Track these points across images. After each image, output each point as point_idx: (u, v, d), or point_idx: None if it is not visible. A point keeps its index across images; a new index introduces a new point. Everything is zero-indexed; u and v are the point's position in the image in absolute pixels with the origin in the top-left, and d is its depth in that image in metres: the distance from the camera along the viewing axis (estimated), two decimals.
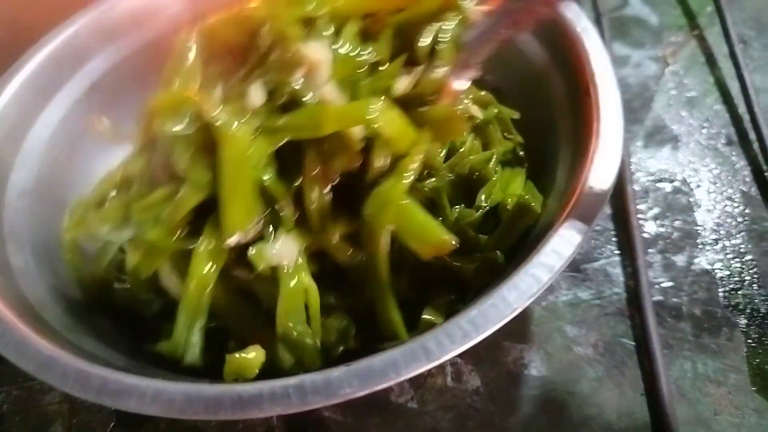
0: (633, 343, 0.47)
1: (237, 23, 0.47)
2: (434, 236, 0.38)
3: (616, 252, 0.53)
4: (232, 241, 0.38)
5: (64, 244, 0.45)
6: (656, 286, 0.50)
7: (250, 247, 0.39)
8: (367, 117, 0.38)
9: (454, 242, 0.37)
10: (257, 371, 0.36)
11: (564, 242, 0.36)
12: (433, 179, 0.45)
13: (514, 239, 0.43)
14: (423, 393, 0.46)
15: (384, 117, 0.38)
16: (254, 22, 0.46)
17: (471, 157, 0.47)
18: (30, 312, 0.40)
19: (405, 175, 0.39)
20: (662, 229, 0.54)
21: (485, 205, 0.45)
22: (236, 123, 0.39)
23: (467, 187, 0.47)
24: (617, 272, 0.52)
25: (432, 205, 0.45)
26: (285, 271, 0.39)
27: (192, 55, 0.47)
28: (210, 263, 0.39)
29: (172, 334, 0.39)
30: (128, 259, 0.42)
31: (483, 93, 0.51)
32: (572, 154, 0.44)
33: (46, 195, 0.51)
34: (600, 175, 0.39)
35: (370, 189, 0.40)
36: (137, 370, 0.36)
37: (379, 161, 0.40)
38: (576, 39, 0.48)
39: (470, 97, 0.50)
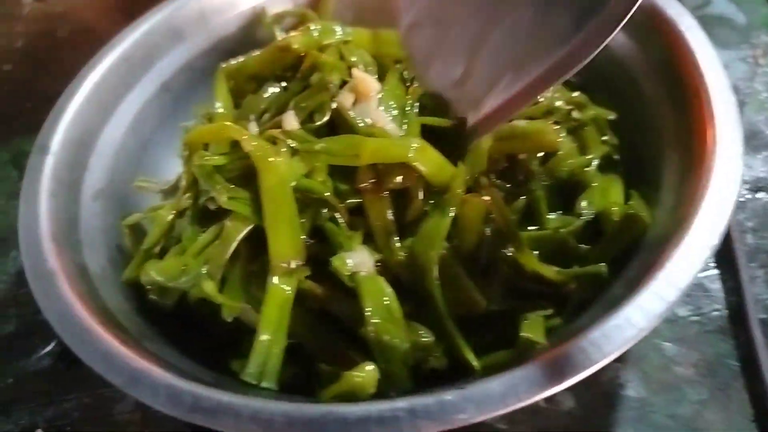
0: (738, 363, 0.44)
1: (275, 55, 0.48)
2: (467, 296, 0.38)
3: (714, 265, 0.49)
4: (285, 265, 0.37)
5: (125, 281, 0.43)
6: (760, 304, 0.47)
7: (332, 260, 0.38)
8: (405, 154, 0.38)
9: (484, 306, 0.38)
10: (373, 390, 0.33)
11: (689, 258, 0.33)
12: (531, 183, 0.42)
13: (620, 251, 0.40)
14: (513, 413, 0.43)
15: (421, 155, 0.38)
16: (291, 54, 0.47)
17: (570, 161, 0.44)
18: (112, 320, 0.38)
19: (448, 212, 0.38)
20: (764, 242, 0.50)
21: (587, 212, 0.42)
22: (275, 152, 0.39)
23: (563, 193, 0.44)
24: (716, 287, 0.48)
25: (529, 212, 0.43)
26: (363, 275, 0.38)
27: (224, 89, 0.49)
28: (285, 286, 0.37)
29: (249, 358, 0.36)
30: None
31: (576, 94, 0.48)
32: (681, 161, 0.41)
33: (118, 196, 0.50)
34: (721, 185, 0.36)
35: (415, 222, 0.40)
36: (228, 386, 0.35)
37: (418, 196, 0.40)
38: (678, 37, 0.45)
39: (563, 98, 0.47)
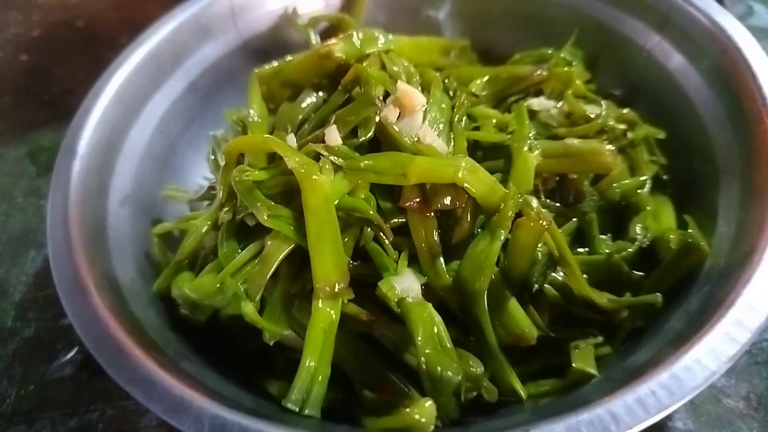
0: None
1: (314, 63, 0.46)
2: (518, 328, 0.36)
3: None
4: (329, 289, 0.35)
5: (156, 292, 0.42)
6: None
7: (379, 285, 0.36)
8: (455, 175, 0.36)
9: (535, 338, 0.36)
10: (432, 428, 0.32)
11: (759, 296, 0.32)
12: (582, 204, 0.41)
13: (675, 281, 0.39)
14: None
15: (471, 176, 0.36)
16: (333, 62, 0.45)
17: (622, 183, 0.42)
18: (147, 339, 0.36)
19: (499, 235, 0.36)
20: None
21: (642, 238, 0.40)
22: (318, 169, 0.37)
23: (615, 214, 0.42)
24: None
25: (580, 234, 0.41)
26: (411, 301, 0.36)
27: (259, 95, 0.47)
28: (330, 310, 0.35)
29: (293, 384, 0.35)
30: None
31: (626, 111, 0.46)
32: (743, 190, 0.39)
33: (145, 202, 0.48)
34: None
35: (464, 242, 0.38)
36: (270, 412, 0.33)
37: (467, 218, 0.38)
38: (739, 55, 0.43)
39: (613, 115, 0.45)
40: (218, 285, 0.38)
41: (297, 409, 0.34)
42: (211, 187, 0.47)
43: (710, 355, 0.30)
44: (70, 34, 0.81)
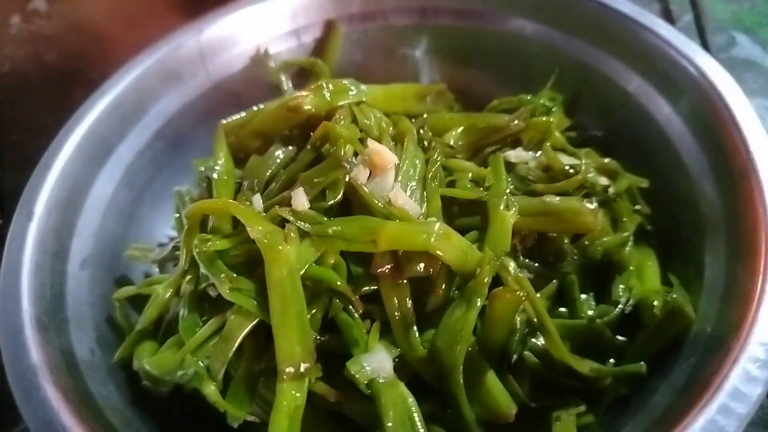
0: None
1: (283, 115, 0.44)
2: (496, 405, 0.35)
3: None
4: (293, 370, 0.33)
5: (117, 362, 0.40)
6: None
7: (347, 366, 0.34)
8: (427, 242, 0.34)
9: (514, 415, 0.34)
10: None
11: (748, 379, 0.30)
12: (562, 264, 0.39)
13: (660, 347, 0.37)
14: None
15: (444, 242, 0.35)
16: (302, 114, 0.43)
17: (604, 240, 0.40)
18: (100, 420, 0.34)
19: (475, 303, 0.34)
20: None
21: (625, 301, 0.38)
22: (283, 238, 0.35)
23: (597, 272, 0.41)
24: None
25: (561, 295, 0.40)
26: (382, 382, 0.34)
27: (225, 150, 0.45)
28: (295, 392, 0.33)
29: None
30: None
31: (607, 160, 0.44)
32: (729, 248, 0.38)
33: (107, 261, 0.46)
34: None
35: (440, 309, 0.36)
36: None
37: (441, 286, 0.36)
38: (723, 106, 0.42)
39: (594, 165, 0.43)
40: (180, 361, 0.36)
41: None
42: (176, 248, 0.45)
43: None
44: (40, 70, 0.79)
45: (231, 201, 0.38)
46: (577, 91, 0.52)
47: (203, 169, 0.47)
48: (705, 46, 0.66)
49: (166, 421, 0.39)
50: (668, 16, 0.71)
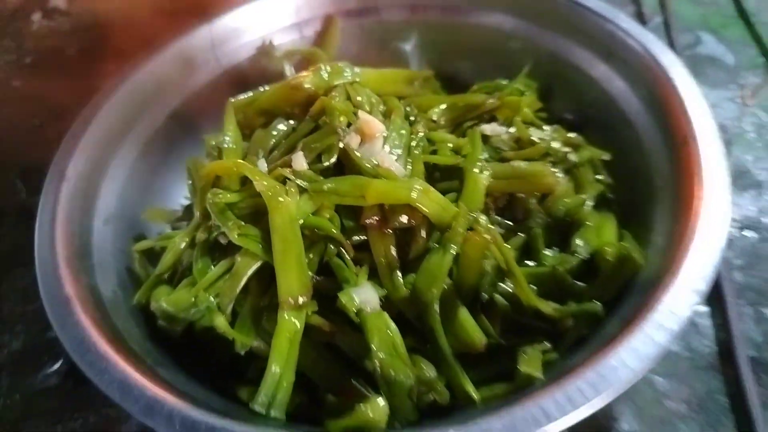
0: (728, 400, 0.46)
1: (286, 93, 0.50)
2: (468, 336, 0.39)
3: (704, 302, 0.51)
4: (293, 302, 0.38)
5: (136, 305, 0.45)
6: (749, 341, 0.49)
7: (339, 296, 0.39)
8: (408, 196, 0.39)
9: (483, 345, 0.39)
10: (384, 426, 0.35)
11: (679, 302, 0.35)
12: (529, 221, 0.44)
13: (614, 291, 0.42)
14: None
15: (424, 196, 0.40)
16: (303, 93, 0.49)
17: (566, 200, 0.46)
18: (126, 346, 0.39)
19: (450, 249, 0.40)
20: (752, 280, 0.52)
21: (583, 251, 0.44)
22: (284, 191, 0.40)
23: (561, 230, 0.46)
24: (706, 324, 0.50)
25: (527, 249, 0.45)
26: (369, 311, 0.39)
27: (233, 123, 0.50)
28: (294, 320, 0.38)
29: (259, 389, 0.38)
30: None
31: (573, 135, 0.50)
32: (673, 206, 0.43)
33: (128, 221, 0.52)
34: (710, 232, 0.38)
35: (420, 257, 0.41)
36: (239, 415, 0.36)
37: (421, 235, 0.41)
38: (671, 86, 0.47)
39: (560, 139, 0.49)
40: (192, 299, 0.41)
41: (263, 411, 0.37)
42: (188, 208, 0.50)
43: (633, 355, 0.33)
44: (60, 62, 0.84)
45: (240, 161, 0.44)
46: (550, 78, 0.58)
47: (214, 142, 0.53)
48: (671, 43, 0.71)
49: (180, 355, 0.43)
50: (641, 18, 0.77)
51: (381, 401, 0.35)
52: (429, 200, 0.41)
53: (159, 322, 0.44)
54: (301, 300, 0.39)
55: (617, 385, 0.32)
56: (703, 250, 0.37)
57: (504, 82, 0.56)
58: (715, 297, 0.51)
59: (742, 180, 0.60)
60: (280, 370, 0.37)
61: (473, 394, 0.39)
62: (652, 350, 0.33)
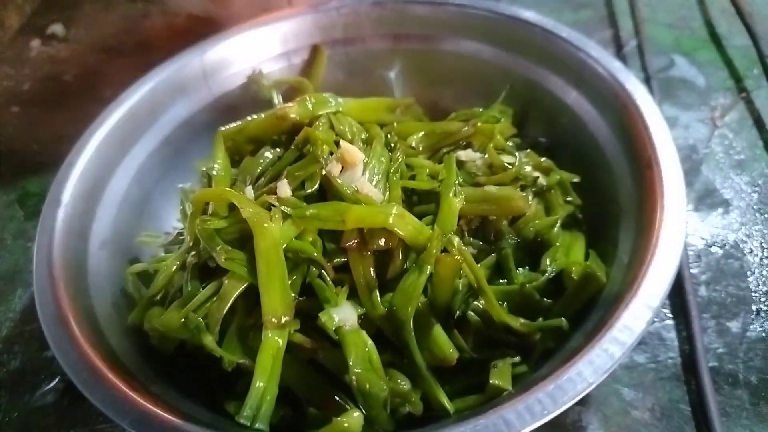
0: (689, 408, 0.48)
1: (272, 123, 0.53)
2: (440, 350, 0.42)
3: (670, 316, 0.54)
4: (276, 321, 0.41)
5: (130, 324, 0.48)
6: (711, 352, 0.51)
7: (319, 315, 0.42)
8: (386, 221, 0.42)
9: (455, 359, 0.42)
10: None
11: (635, 318, 0.38)
12: (501, 242, 0.47)
13: (579, 307, 0.45)
14: None
15: (400, 221, 0.43)
16: (288, 122, 0.52)
17: (536, 222, 0.49)
18: (119, 363, 0.42)
19: (425, 269, 0.42)
20: (715, 294, 0.55)
21: (551, 270, 0.46)
22: (269, 217, 0.43)
23: (531, 250, 0.49)
24: (672, 336, 0.53)
25: (499, 269, 0.47)
26: (347, 329, 0.42)
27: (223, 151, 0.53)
28: (277, 339, 0.41)
29: (245, 402, 0.40)
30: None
31: (543, 160, 0.53)
32: (636, 227, 0.45)
33: (123, 245, 0.54)
34: (666, 253, 0.41)
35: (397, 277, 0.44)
36: (225, 427, 0.38)
37: (398, 256, 0.44)
38: (636, 112, 0.50)
39: (531, 164, 0.52)
40: (182, 319, 0.44)
41: (248, 424, 0.39)
42: (180, 234, 0.53)
43: (590, 367, 0.36)
44: (58, 88, 0.87)
45: (228, 189, 0.46)
46: (526, 104, 0.61)
47: (204, 168, 0.55)
48: (644, 67, 0.75)
49: (173, 372, 0.46)
50: (618, 41, 0.81)
51: (356, 413, 0.38)
52: (405, 224, 0.43)
53: (152, 341, 0.46)
54: (284, 319, 0.41)
55: (572, 395, 0.35)
56: (659, 269, 0.40)
57: (480, 109, 0.58)
58: (680, 311, 0.54)
59: (710, 198, 0.63)
60: (264, 384, 0.40)
61: (447, 406, 0.42)
62: (607, 363, 0.36)
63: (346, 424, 0.37)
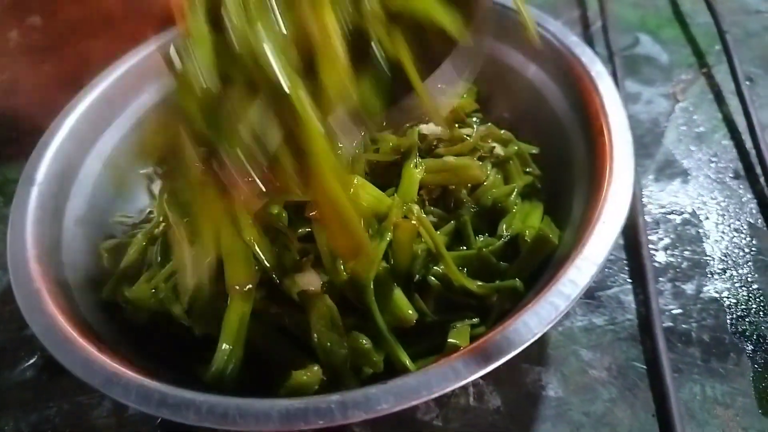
0: (644, 366, 0.50)
1: None
2: (399, 311, 0.44)
3: (629, 280, 0.56)
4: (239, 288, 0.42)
5: (104, 298, 0.50)
6: (666, 313, 0.53)
7: (283, 280, 0.43)
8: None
9: (414, 319, 0.43)
10: (317, 387, 0.39)
11: (580, 273, 0.40)
12: (460, 210, 0.49)
13: (533, 268, 0.47)
14: (447, 412, 0.49)
15: (361, 191, 0.45)
16: None
17: (494, 191, 0.50)
18: (90, 331, 0.43)
19: (385, 236, 0.44)
20: (672, 259, 0.57)
21: (506, 234, 0.48)
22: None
23: (490, 218, 0.51)
24: (629, 299, 0.55)
25: (458, 235, 0.49)
26: (311, 292, 0.44)
27: None
28: (243, 304, 0.43)
29: (211, 362, 0.42)
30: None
31: (503, 132, 0.55)
32: (587, 191, 0.47)
33: (97, 222, 0.56)
34: (613, 212, 0.43)
35: None
36: (191, 386, 0.40)
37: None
38: (590, 82, 0.52)
39: (490, 136, 0.54)
40: (152, 290, 0.45)
41: (214, 383, 0.41)
42: (151, 212, 0.55)
43: (535, 318, 0.38)
44: (35, 77, 0.88)
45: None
46: (490, 81, 0.62)
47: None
48: (608, 45, 0.77)
49: (147, 344, 0.47)
50: (585, 21, 0.83)
51: (316, 367, 0.40)
52: (366, 194, 0.45)
53: (125, 314, 0.48)
54: (247, 287, 0.43)
55: (517, 344, 0.37)
56: (605, 227, 0.42)
57: None
58: (638, 275, 0.56)
59: (670, 169, 0.65)
60: (229, 347, 0.41)
61: (409, 365, 0.43)
62: (551, 314, 0.38)
63: (305, 377, 0.39)
